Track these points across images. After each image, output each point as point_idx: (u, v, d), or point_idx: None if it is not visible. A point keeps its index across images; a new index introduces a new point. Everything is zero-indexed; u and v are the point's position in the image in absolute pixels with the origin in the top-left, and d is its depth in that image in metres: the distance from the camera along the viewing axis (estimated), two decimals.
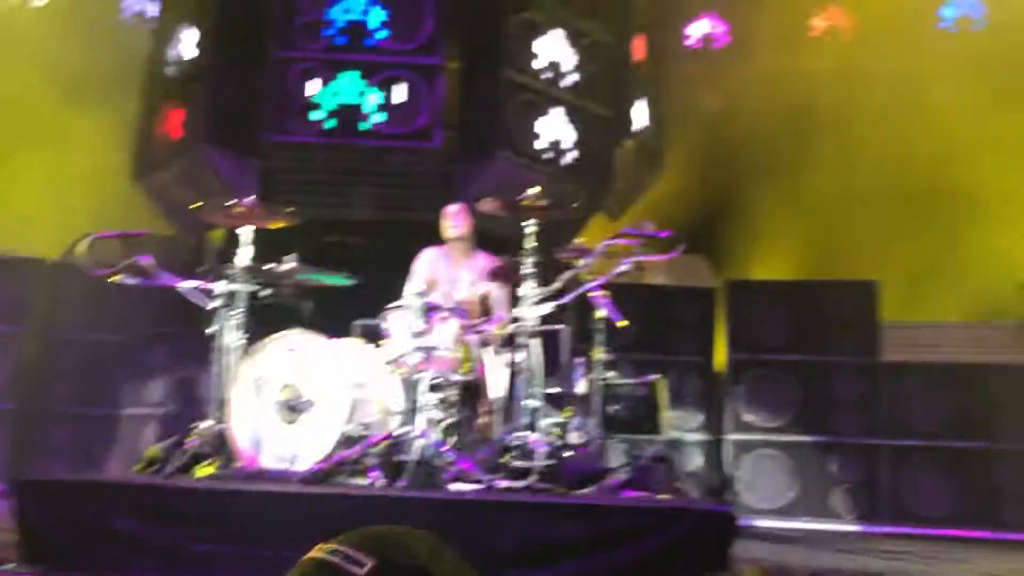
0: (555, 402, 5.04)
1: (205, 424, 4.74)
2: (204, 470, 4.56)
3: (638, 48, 8.51)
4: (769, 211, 8.31)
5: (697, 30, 9.51)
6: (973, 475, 6.69)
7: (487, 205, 4.93)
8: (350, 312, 6.18)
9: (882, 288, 7.08)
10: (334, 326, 5.32)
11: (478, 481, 4.30)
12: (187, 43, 7.68)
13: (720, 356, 7.36)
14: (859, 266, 7.69)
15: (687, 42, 9.58)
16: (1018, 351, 6.86)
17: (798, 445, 6.95)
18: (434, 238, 5.95)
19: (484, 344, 4.99)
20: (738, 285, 7.47)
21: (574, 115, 7.37)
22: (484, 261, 5.54)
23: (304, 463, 4.53)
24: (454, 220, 5.72)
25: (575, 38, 7.52)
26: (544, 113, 7.23)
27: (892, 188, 8.00)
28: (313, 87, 7.02)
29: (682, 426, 7.12)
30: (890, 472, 6.80)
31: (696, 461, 7.13)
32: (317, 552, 1.54)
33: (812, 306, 7.21)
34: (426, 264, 5.72)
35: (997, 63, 8.03)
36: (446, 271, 5.64)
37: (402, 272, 5.87)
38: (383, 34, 7.14)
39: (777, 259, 8.30)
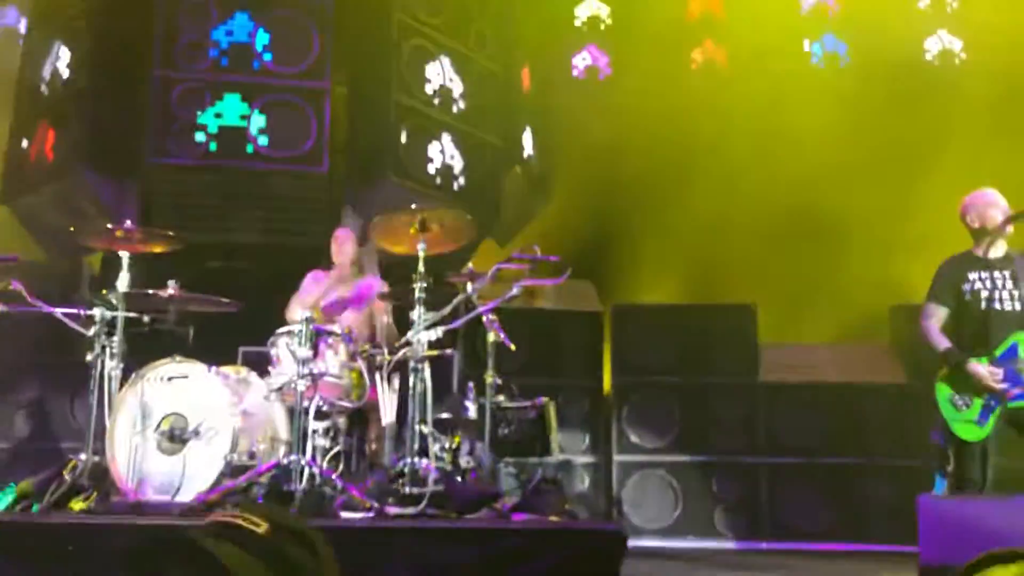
0: (445, 427, 5.03)
1: (82, 456, 4.55)
2: (79, 504, 4.37)
3: (526, 77, 8.66)
4: (653, 237, 8.54)
5: (582, 61, 9.75)
6: (845, 490, 6.99)
7: (377, 228, 4.92)
8: (235, 338, 6.06)
9: (760, 311, 7.36)
10: (218, 352, 5.20)
11: (368, 508, 4.25)
12: (62, 61, 7.41)
13: (608, 379, 7.50)
14: (739, 290, 7.96)
15: (573, 72, 9.80)
16: (886, 371, 7.22)
17: (681, 465, 7.13)
18: (320, 262, 5.89)
19: (374, 369, 4.95)
20: (623, 309, 7.63)
21: (464, 141, 7.43)
22: (372, 284, 5.52)
23: (187, 494, 4.39)
24: (341, 245, 5.70)
25: (464, 66, 7.60)
26: (434, 139, 7.26)
27: (769, 215, 8.34)
28: (197, 109, 6.88)
29: (570, 448, 7.21)
30: (768, 489, 7.04)
31: (584, 483, 7.23)
32: (220, 516, 1.61)
33: (694, 329, 7.42)
34: (311, 286, 5.67)
35: (861, 97, 8.51)
36: (333, 295, 5.59)
37: (288, 297, 5.79)
38: (269, 56, 7.06)
39: (661, 284, 8.52)
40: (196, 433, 4.52)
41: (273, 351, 4.86)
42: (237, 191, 7.05)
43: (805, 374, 7.30)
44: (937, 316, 4.85)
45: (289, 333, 4.77)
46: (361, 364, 4.83)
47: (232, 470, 4.51)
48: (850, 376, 7.26)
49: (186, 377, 4.65)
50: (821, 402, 7.16)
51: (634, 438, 7.22)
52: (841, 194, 7.90)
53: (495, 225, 7.68)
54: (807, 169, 7.98)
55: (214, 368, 4.74)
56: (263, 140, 6.94)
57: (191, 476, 4.50)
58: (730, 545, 6.92)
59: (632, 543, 6.78)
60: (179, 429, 4.55)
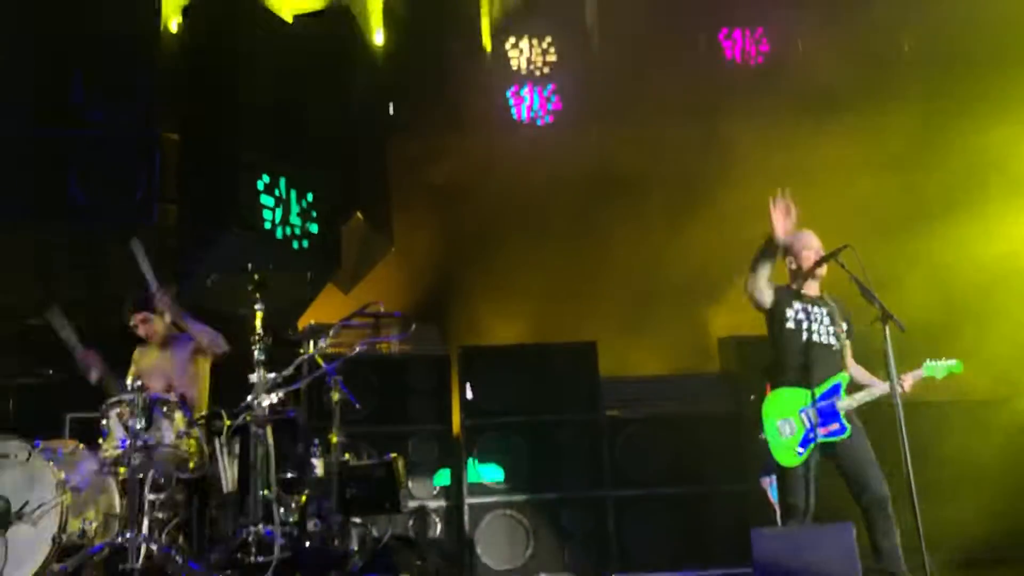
0: (291, 489, 4.92)
1: None
2: None
3: None
4: (495, 278, 8.64)
5: None
6: (688, 518, 7.23)
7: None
8: (61, 406, 5.73)
9: (599, 345, 7.56)
10: (43, 423, 4.92)
11: None
12: None
13: (457, 421, 7.51)
14: (579, 328, 8.14)
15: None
16: (719, 400, 7.55)
17: (532, 503, 7.21)
18: None
19: (212, 436, 4.79)
20: (469, 351, 7.65)
21: (301, 189, 7.30)
22: (186, 343, 5.34)
23: None
24: (141, 327, 5.46)
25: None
26: (272, 186, 7.09)
27: (557, 252, 8.62)
28: None
29: (422, 494, 7.17)
30: (616, 522, 7.21)
31: (437, 528, 7.19)
32: None
33: (538, 367, 7.54)
34: (137, 357, 5.44)
35: None
36: (154, 363, 5.36)
37: (118, 358, 5.52)
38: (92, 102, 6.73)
39: (502, 325, 8.61)
40: (19, 516, 4.24)
41: (104, 421, 4.63)
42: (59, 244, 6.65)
43: (644, 407, 7.53)
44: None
45: (121, 402, 4.55)
46: (199, 432, 4.67)
47: (61, 552, 4.25)
48: (686, 407, 7.54)
49: (5, 456, 4.36)
50: (661, 433, 7.41)
51: (485, 479, 7.25)
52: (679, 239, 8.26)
53: (335, 273, 7.58)
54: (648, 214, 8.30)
55: (39, 443, 4.47)
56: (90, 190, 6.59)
57: (16, 560, 4.22)
58: None
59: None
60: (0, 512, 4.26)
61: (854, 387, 4.96)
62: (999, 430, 7.18)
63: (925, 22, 8.38)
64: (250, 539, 4.28)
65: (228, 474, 4.77)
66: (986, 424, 7.25)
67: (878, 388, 4.89)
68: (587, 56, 9.04)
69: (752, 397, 5.09)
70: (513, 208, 8.56)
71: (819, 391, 4.92)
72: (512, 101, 9.29)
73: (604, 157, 8.38)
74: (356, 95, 8.27)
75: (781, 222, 4.84)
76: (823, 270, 5.14)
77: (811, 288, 5.20)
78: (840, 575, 3.91)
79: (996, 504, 6.88)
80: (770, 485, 4.96)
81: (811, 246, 5.19)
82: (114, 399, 4.62)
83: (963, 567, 6.30)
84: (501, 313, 8.55)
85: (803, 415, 4.89)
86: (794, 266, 5.20)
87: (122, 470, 4.47)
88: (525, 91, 9.25)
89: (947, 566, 5.19)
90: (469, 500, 7.22)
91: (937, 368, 4.95)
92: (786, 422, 4.91)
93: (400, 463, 5.26)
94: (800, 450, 4.87)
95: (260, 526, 4.31)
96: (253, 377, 4.52)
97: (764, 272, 5.01)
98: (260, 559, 4.23)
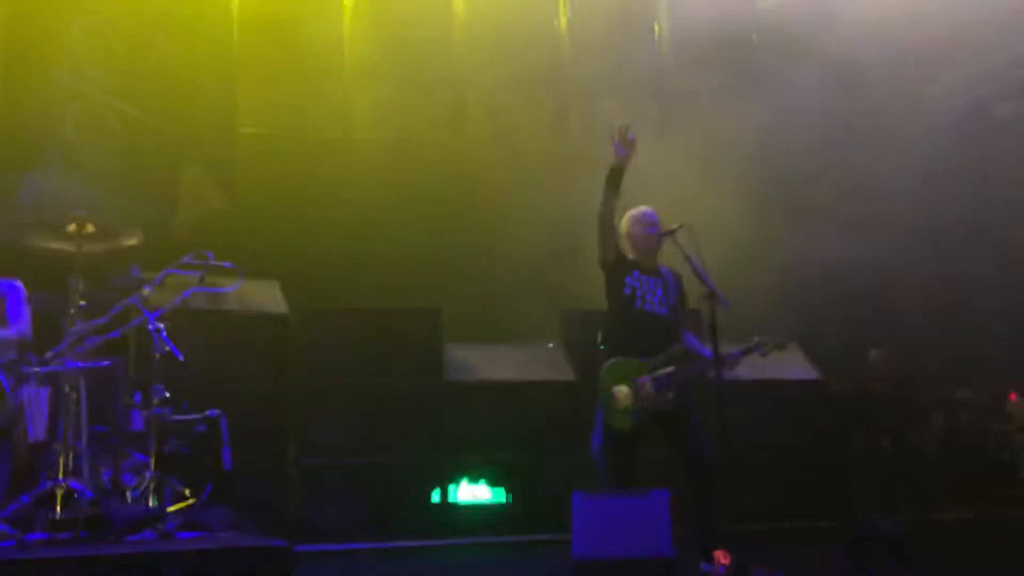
0: (108, 442, 4.69)
1: None
2: None
3: None
4: (346, 241, 8.46)
5: None
6: (525, 484, 7.34)
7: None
8: None
9: (445, 312, 7.55)
10: None
11: (8, 538, 3.86)
12: None
13: (295, 382, 7.35)
14: (426, 293, 8.10)
15: None
16: (558, 369, 7.69)
17: (372, 465, 7.15)
18: None
19: (21, 381, 4.49)
20: (311, 311, 7.51)
21: (136, 131, 6.90)
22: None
23: None
24: None
25: (142, 49, 7.06)
26: (98, 125, 6.64)
27: (452, 216, 8.57)
28: None
29: (255, 455, 6.98)
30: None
31: (268, 488, 7.03)
32: None
33: (382, 331, 7.47)
34: None
35: None
36: None
37: None
38: None
39: (351, 285, 8.44)
40: None
41: None
42: None
43: (484, 373, 7.59)
44: None
45: None
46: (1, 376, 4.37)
47: None
48: (526, 374, 7.65)
49: None
50: (499, 399, 7.48)
51: (318, 442, 7.13)
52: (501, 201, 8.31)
53: (170, 220, 7.24)
54: (487, 169, 8.28)
55: None
56: None
57: None
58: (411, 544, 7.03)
59: (321, 547, 6.77)
60: None
61: (688, 358, 5.11)
62: (812, 411, 7.65)
63: None
64: (57, 491, 4.04)
65: (36, 423, 4.49)
66: (802, 404, 7.69)
67: (706, 362, 5.03)
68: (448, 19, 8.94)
69: (595, 363, 5.19)
70: (366, 168, 8.38)
71: (655, 361, 5.05)
72: None
73: (462, 120, 8.33)
74: (201, 40, 7.87)
75: (620, 148, 5.02)
76: (660, 245, 5.29)
77: (649, 261, 5.34)
78: (652, 540, 4.04)
79: (802, 479, 7.36)
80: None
81: (649, 222, 5.32)
82: None
83: (770, 538, 6.66)
84: (346, 275, 8.38)
85: (638, 383, 5.01)
86: (629, 243, 5.32)
87: None
88: None
89: (755, 536, 5.47)
90: (304, 461, 7.10)
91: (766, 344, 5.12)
92: (621, 390, 5.01)
93: (223, 420, 5.09)
94: (632, 417, 5.00)
95: (68, 480, 4.08)
96: (67, 323, 4.26)
97: (610, 201, 5.14)
98: (65, 515, 4.00)
